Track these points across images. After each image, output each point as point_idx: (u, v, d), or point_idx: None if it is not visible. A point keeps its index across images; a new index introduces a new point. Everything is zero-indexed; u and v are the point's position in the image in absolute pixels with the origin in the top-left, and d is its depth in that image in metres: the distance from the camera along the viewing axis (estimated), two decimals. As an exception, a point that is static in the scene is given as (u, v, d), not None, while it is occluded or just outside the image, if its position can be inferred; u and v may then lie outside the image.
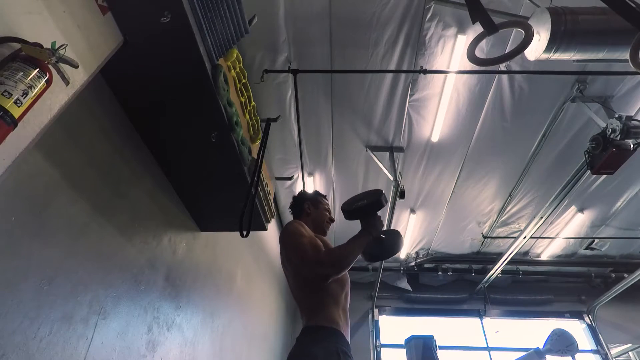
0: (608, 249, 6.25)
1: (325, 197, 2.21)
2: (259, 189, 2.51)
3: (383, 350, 6.38)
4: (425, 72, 3.24)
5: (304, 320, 1.67)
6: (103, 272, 1.79)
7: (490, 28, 1.52)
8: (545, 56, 2.43)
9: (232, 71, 2.12)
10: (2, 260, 1.27)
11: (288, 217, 5.70)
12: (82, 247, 1.66)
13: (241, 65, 2.23)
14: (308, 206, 2.06)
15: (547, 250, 6.37)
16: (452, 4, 2.99)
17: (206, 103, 1.85)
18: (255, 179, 2.25)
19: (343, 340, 1.56)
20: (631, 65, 1.64)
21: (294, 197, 2.21)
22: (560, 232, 5.85)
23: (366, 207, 1.70)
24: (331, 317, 1.60)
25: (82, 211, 1.66)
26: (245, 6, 1.77)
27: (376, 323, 6.68)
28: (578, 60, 2.50)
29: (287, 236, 1.77)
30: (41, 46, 0.98)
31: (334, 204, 5.45)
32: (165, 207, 2.43)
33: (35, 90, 0.93)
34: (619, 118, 3.16)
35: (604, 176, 4.59)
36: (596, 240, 6.03)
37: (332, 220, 2.09)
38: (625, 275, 5.70)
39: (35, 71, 0.93)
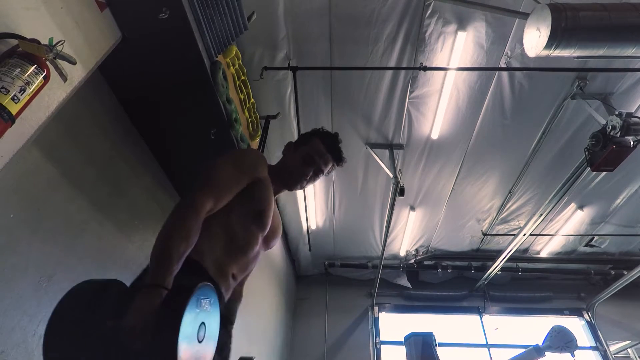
0: (607, 246, 6.25)
1: (327, 138, 1.49)
2: (259, 186, 2.50)
3: (383, 347, 6.39)
4: (425, 69, 3.24)
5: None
6: (102, 269, 1.79)
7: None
8: (545, 53, 2.43)
9: (231, 68, 2.11)
10: (1, 257, 1.27)
11: (287, 214, 5.72)
12: (81, 244, 1.66)
13: (240, 62, 2.23)
14: (288, 148, 1.56)
15: (547, 248, 6.37)
16: (452, 0, 2.98)
17: (205, 100, 1.85)
18: (255, 176, 2.24)
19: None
20: None
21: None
22: (559, 230, 5.85)
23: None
24: (217, 262, 1.22)
25: (81, 208, 1.66)
26: (244, 2, 1.76)
27: (376, 320, 6.69)
28: (578, 57, 2.50)
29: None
30: (38, 42, 0.97)
31: (333, 200, 5.42)
32: (164, 204, 2.43)
33: (33, 87, 0.93)
34: (619, 115, 3.15)
35: (604, 173, 4.59)
36: (596, 238, 6.03)
37: (307, 174, 1.45)
38: (625, 273, 5.70)
39: (33, 67, 0.93)
